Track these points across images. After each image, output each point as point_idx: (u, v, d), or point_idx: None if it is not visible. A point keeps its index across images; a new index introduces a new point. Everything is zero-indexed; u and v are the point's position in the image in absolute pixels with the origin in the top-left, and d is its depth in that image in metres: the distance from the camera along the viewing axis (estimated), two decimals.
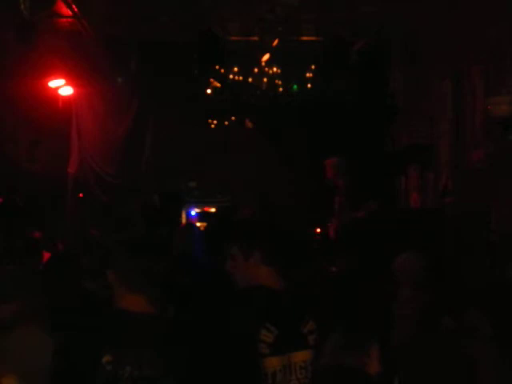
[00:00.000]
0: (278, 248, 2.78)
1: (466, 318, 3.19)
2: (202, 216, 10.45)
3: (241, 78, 9.93)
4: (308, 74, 10.10)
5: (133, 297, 2.40)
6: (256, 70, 9.85)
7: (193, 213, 10.52)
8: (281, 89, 10.13)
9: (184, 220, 10.24)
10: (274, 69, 9.86)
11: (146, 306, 2.40)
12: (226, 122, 11.50)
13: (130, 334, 2.30)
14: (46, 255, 4.97)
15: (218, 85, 10.28)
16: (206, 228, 8.94)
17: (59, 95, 9.40)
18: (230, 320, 2.53)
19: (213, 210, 10.59)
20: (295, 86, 10.17)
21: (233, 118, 11.40)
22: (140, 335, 2.31)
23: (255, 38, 9.24)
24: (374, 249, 5.68)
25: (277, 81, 10.07)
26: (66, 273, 3.66)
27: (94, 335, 2.32)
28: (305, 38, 9.34)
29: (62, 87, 9.28)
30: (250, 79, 9.93)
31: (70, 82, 9.29)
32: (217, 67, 10.00)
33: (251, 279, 2.66)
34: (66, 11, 8.25)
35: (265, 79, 9.94)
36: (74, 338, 2.35)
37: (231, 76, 9.99)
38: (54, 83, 9.10)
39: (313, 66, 10.04)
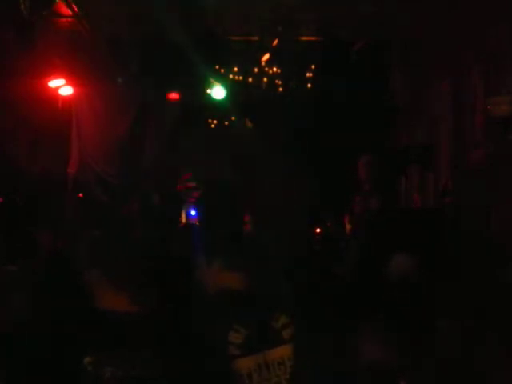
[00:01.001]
0: (241, 252, 2.79)
1: (464, 320, 3.18)
2: None
3: (241, 77, 9.94)
4: (308, 74, 10.10)
5: (116, 296, 2.40)
6: (256, 69, 9.86)
7: (193, 213, 10.51)
8: (281, 89, 10.15)
9: (184, 220, 10.23)
10: (274, 69, 9.87)
11: (130, 306, 2.40)
12: (226, 122, 11.52)
13: (112, 335, 2.31)
14: None
15: (218, 85, 10.28)
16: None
17: (59, 95, 9.40)
18: (198, 325, 2.53)
19: None
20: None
21: (233, 117, 11.41)
22: (124, 335, 2.32)
23: (255, 38, 9.24)
24: (377, 249, 5.67)
25: (277, 81, 10.08)
26: (64, 272, 3.65)
27: (76, 336, 2.32)
28: (305, 38, 9.34)
29: (61, 87, 9.28)
30: (250, 79, 9.93)
31: (70, 82, 9.29)
32: (217, 67, 10.01)
33: (216, 285, 2.67)
34: (66, 11, 8.25)
35: (265, 79, 9.95)
36: (58, 340, 2.36)
37: (231, 76, 10.00)
38: (53, 83, 9.10)
39: (313, 66, 10.05)
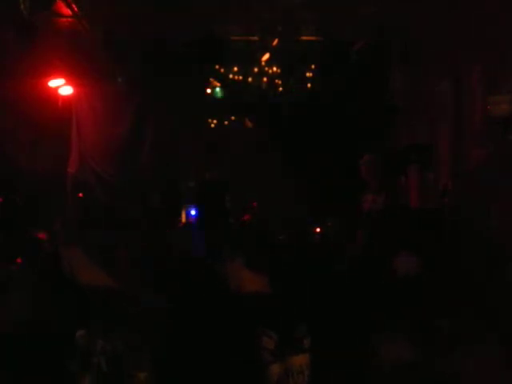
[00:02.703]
0: (263, 253, 2.79)
1: (463, 320, 3.19)
2: None
3: (241, 77, 9.95)
4: (308, 74, 10.11)
5: (96, 272, 2.43)
6: (256, 69, 9.87)
7: (193, 212, 10.51)
8: (281, 88, 10.15)
9: (184, 220, 10.24)
10: (274, 68, 9.88)
11: (110, 282, 2.43)
12: (226, 122, 11.53)
13: (98, 309, 2.34)
14: None
15: (218, 84, 10.29)
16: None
17: (59, 95, 9.40)
18: (231, 327, 2.53)
19: None
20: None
21: (233, 117, 11.43)
22: (108, 310, 2.35)
23: (255, 38, 9.24)
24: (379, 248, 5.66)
25: (277, 81, 10.09)
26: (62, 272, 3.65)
27: (67, 311, 2.35)
28: (305, 38, 9.34)
29: (61, 87, 9.28)
30: (250, 79, 9.94)
31: (70, 81, 9.28)
32: (217, 67, 10.01)
33: (237, 282, 2.67)
34: (66, 11, 8.24)
35: (265, 79, 9.95)
36: (50, 315, 2.38)
37: (231, 76, 10.01)
38: (53, 83, 9.10)
39: (313, 66, 10.05)
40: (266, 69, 9.84)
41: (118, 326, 2.36)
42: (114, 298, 2.41)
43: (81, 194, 10.00)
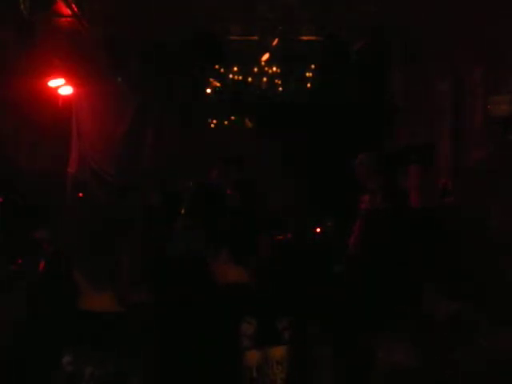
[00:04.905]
0: (247, 247, 2.83)
1: (463, 320, 3.19)
2: None
3: (240, 77, 9.95)
4: (308, 74, 10.12)
5: (98, 296, 2.40)
6: (256, 69, 9.87)
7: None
8: (281, 88, 10.16)
9: None
10: (274, 68, 9.88)
11: (112, 305, 2.40)
12: (226, 122, 11.53)
13: (93, 334, 2.30)
14: None
15: (218, 84, 10.29)
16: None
17: (59, 95, 9.39)
18: (210, 315, 2.58)
19: None
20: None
21: (233, 117, 11.43)
22: (105, 335, 2.32)
23: (255, 38, 9.24)
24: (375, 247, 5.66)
25: (277, 80, 10.09)
26: (62, 272, 3.65)
27: (53, 336, 2.31)
28: (305, 38, 9.34)
29: (61, 87, 9.27)
30: (250, 79, 9.94)
31: (70, 81, 9.28)
32: (217, 67, 10.02)
33: (223, 277, 2.74)
34: (66, 11, 8.25)
35: (265, 79, 9.96)
36: (33, 338, 2.35)
37: (231, 76, 10.01)
38: (53, 83, 9.10)
39: (313, 66, 10.06)
40: (266, 69, 9.84)
41: (110, 352, 2.32)
42: (115, 323, 2.37)
43: (81, 194, 9.99)
